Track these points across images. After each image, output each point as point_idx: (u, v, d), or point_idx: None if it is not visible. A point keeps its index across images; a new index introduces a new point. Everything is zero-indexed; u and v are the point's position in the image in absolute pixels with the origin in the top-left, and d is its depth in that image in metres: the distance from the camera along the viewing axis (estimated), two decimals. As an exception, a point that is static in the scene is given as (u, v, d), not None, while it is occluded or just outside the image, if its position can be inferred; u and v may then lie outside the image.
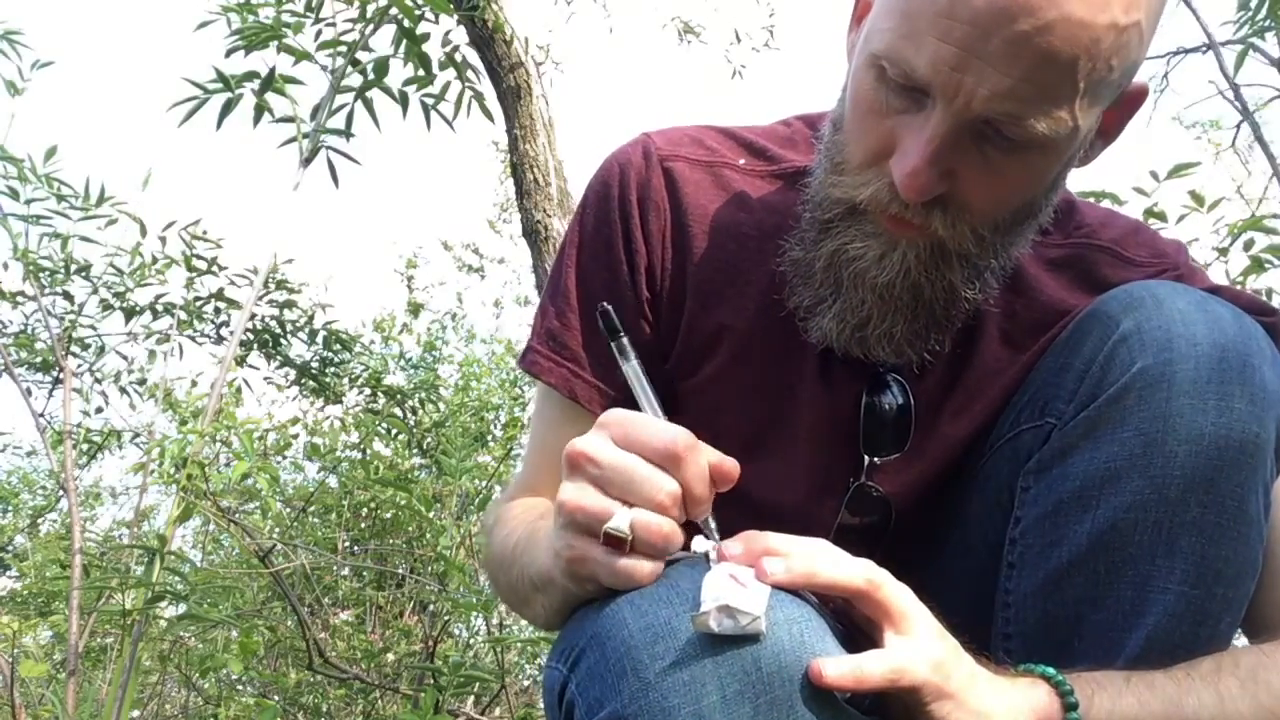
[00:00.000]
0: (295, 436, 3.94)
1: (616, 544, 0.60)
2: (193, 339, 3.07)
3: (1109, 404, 0.73)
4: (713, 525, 0.65)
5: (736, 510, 0.69)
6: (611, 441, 0.62)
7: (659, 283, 0.88)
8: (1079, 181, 2.12)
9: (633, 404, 0.68)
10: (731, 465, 0.63)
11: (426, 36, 2.26)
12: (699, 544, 0.63)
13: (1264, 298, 2.28)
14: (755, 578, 0.59)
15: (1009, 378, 0.86)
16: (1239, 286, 2.24)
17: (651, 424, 0.62)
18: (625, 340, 0.69)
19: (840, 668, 0.58)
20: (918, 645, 0.61)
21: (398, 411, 3.61)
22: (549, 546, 0.67)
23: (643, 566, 0.61)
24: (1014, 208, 0.76)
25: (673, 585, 0.61)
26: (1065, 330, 0.81)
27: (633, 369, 0.69)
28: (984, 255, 0.78)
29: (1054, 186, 0.78)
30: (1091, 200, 2.15)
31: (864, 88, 0.74)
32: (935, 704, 0.60)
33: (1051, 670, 0.67)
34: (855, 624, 0.66)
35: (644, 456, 0.61)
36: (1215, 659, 0.70)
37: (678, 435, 0.61)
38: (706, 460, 0.62)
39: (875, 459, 0.87)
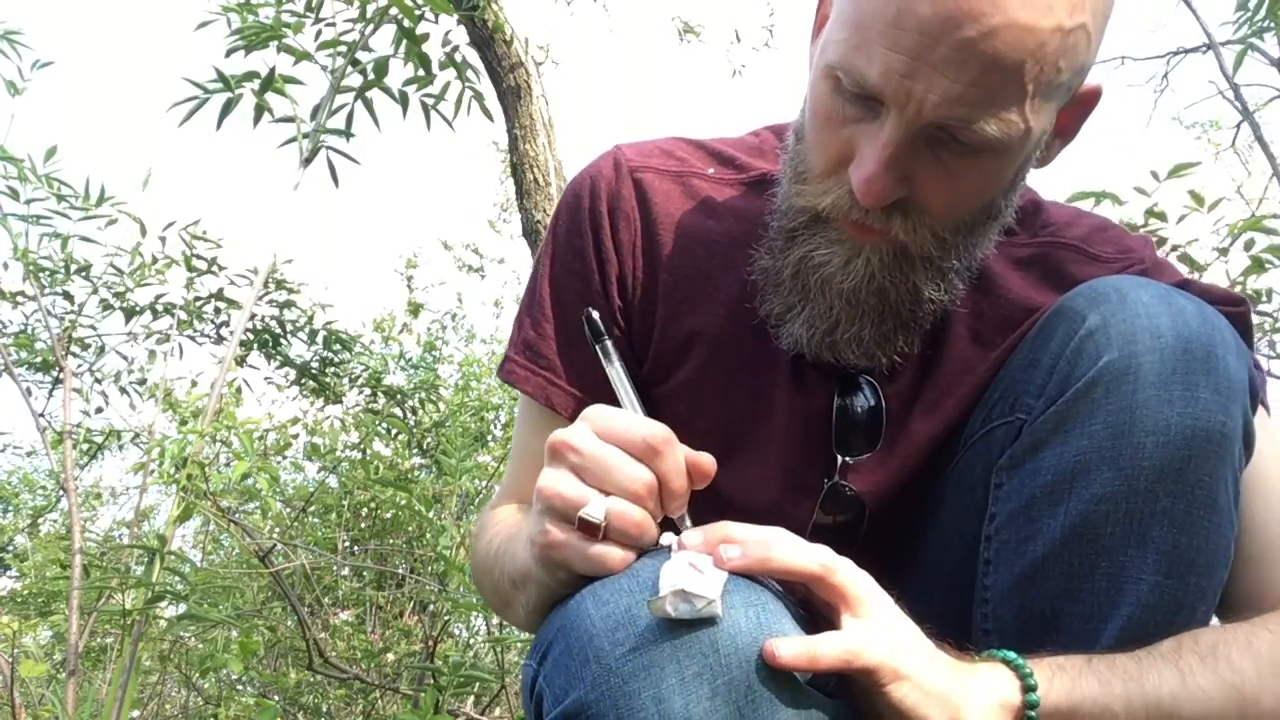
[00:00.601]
0: (295, 436, 3.94)
1: (591, 531, 0.62)
2: (193, 339, 3.07)
3: (1077, 398, 0.73)
4: (688, 522, 0.66)
5: (713, 513, 0.70)
6: (593, 433, 0.64)
7: (630, 291, 0.90)
8: (1079, 182, 2.13)
9: (613, 407, 0.69)
10: (708, 461, 0.65)
11: (426, 36, 2.26)
12: (665, 538, 0.65)
13: (1264, 298, 2.28)
14: (713, 564, 0.61)
15: (979, 375, 0.87)
16: (1239, 287, 2.24)
17: (632, 418, 0.65)
18: (609, 343, 0.72)
19: (794, 648, 0.59)
20: (873, 628, 0.62)
21: (398, 411, 3.61)
22: (527, 538, 0.69)
23: (614, 554, 0.63)
24: (973, 209, 0.78)
25: (634, 575, 0.63)
26: (1033, 327, 0.82)
27: (616, 372, 0.72)
28: (946, 257, 0.80)
29: (1013, 187, 0.80)
30: (1089, 200, 2.16)
31: (821, 98, 0.76)
32: (892, 686, 0.61)
33: (1012, 654, 0.67)
34: (817, 610, 0.66)
35: (623, 448, 0.63)
36: (1176, 639, 0.70)
37: (656, 429, 0.63)
38: (684, 456, 0.65)
39: (848, 459, 0.88)
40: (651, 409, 0.90)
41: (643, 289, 0.90)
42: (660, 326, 0.90)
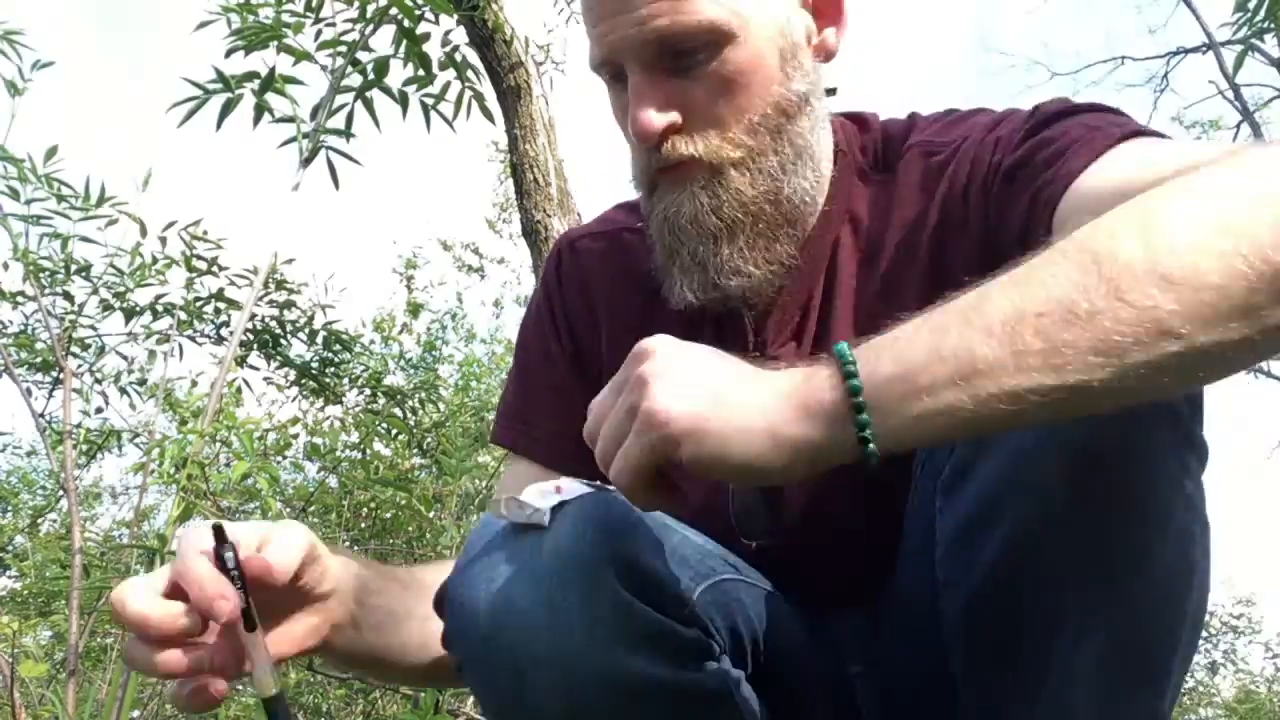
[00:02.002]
0: (295, 436, 3.94)
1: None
2: (193, 339, 3.07)
3: None
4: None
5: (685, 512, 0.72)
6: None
7: (582, 342, 1.00)
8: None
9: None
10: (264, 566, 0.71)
11: (426, 36, 2.26)
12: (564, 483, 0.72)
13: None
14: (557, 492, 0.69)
15: (869, 293, 0.88)
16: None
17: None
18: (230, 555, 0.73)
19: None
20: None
21: (398, 411, 3.61)
22: None
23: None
24: (751, 107, 0.84)
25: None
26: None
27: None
28: (761, 155, 0.85)
29: (789, 78, 0.86)
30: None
31: (610, 103, 0.89)
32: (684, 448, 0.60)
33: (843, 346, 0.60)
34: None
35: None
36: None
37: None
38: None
39: (752, 542, 0.83)
40: None
41: (590, 338, 1.00)
42: (608, 366, 0.94)
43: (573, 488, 0.70)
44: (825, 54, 0.90)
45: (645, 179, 0.88)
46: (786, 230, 0.88)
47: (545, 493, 0.69)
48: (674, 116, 0.83)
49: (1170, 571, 0.67)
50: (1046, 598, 0.68)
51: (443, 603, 0.72)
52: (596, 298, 1.01)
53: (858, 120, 0.96)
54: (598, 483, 0.70)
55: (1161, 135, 0.76)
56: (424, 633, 0.83)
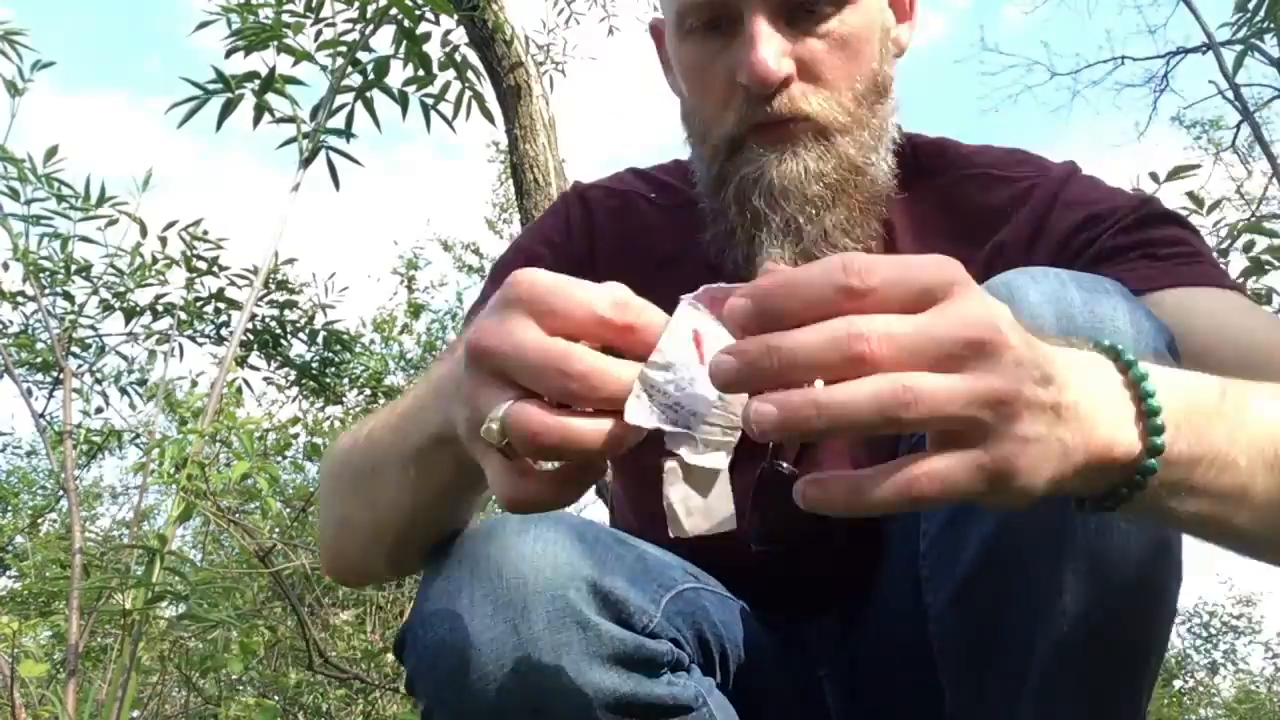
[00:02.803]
0: (295, 436, 3.94)
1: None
2: (193, 339, 3.07)
3: None
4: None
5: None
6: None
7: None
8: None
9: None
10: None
11: (427, 36, 2.26)
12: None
13: (1264, 299, 2.28)
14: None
15: None
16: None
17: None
18: None
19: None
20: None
21: (398, 411, 3.60)
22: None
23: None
24: (860, 75, 0.83)
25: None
26: None
27: None
28: (860, 127, 0.83)
29: (884, 59, 0.85)
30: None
31: (689, 57, 0.84)
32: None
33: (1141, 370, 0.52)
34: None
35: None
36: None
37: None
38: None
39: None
40: None
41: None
42: None
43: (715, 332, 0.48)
44: (898, 48, 0.89)
45: (730, 136, 0.83)
46: (875, 209, 0.85)
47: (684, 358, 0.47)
48: (792, 68, 0.80)
49: (1150, 562, 0.67)
50: (1031, 591, 0.67)
51: (402, 648, 0.69)
52: (599, 254, 0.96)
53: None
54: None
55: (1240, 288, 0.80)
56: None
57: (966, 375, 0.43)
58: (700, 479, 0.52)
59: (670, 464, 0.51)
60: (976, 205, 0.88)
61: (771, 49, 0.78)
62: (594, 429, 0.47)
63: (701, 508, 0.53)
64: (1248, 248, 2.17)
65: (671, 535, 0.53)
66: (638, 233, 0.96)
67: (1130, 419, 0.49)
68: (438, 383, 0.61)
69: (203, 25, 2.21)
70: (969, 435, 0.44)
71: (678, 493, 0.52)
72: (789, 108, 0.80)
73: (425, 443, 0.62)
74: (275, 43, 2.12)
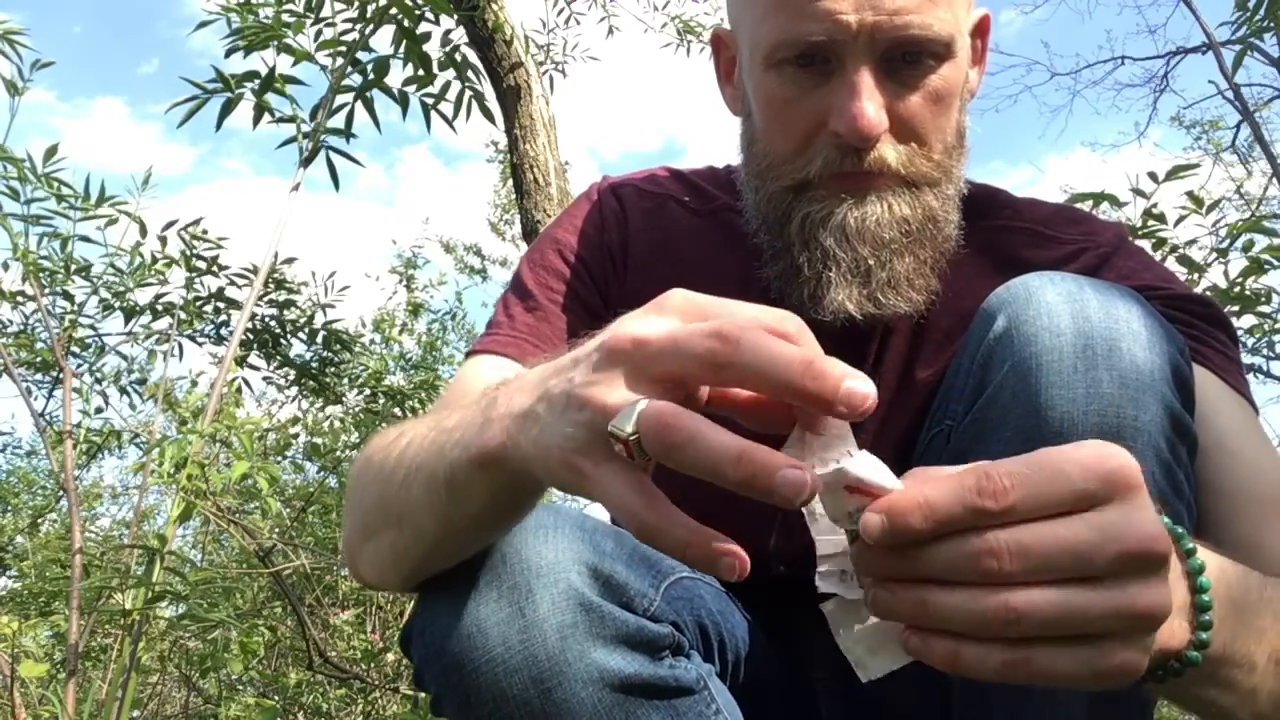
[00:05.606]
0: (295, 436, 3.95)
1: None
2: (192, 339, 3.07)
3: (988, 405, 0.72)
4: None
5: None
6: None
7: (609, 288, 0.94)
8: (1078, 183, 2.13)
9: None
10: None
11: (427, 36, 2.26)
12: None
13: (1264, 299, 2.28)
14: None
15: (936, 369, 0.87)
16: (1238, 288, 2.24)
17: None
18: None
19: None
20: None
21: (398, 411, 3.61)
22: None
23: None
24: (948, 125, 0.82)
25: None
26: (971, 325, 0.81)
27: None
28: (946, 181, 0.83)
29: (963, 107, 0.84)
30: (1088, 202, 2.16)
31: (771, 89, 0.81)
32: None
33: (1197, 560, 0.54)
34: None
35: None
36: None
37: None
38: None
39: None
40: None
41: (619, 287, 0.94)
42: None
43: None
44: (971, 94, 0.87)
45: (808, 180, 0.81)
46: (940, 265, 0.85)
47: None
48: (886, 122, 0.78)
49: None
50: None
51: (409, 641, 0.70)
52: (631, 253, 0.95)
53: None
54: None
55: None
56: None
57: (1114, 589, 0.43)
58: (855, 612, 0.49)
59: (829, 607, 0.49)
60: (1022, 260, 0.87)
61: (875, 102, 0.76)
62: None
63: (876, 637, 0.49)
64: (1247, 247, 2.17)
65: (864, 680, 0.50)
66: (668, 239, 0.95)
67: (1183, 609, 0.50)
68: (489, 406, 0.57)
69: (202, 25, 2.22)
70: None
71: (853, 635, 0.49)
72: (879, 163, 0.79)
73: (464, 463, 0.58)
74: (275, 42, 2.12)
